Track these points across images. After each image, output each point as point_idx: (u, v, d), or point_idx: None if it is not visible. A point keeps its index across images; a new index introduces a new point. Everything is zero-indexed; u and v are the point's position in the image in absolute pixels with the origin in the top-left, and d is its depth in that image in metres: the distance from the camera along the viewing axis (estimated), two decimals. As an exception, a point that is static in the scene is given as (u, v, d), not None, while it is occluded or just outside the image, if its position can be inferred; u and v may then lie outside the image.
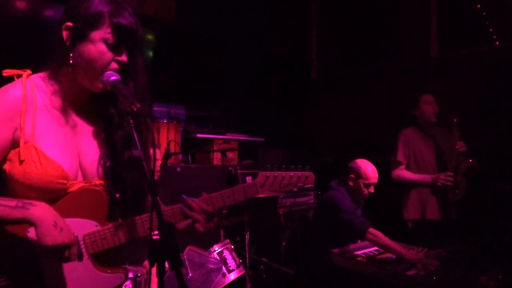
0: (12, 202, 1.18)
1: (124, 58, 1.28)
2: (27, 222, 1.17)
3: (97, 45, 1.24)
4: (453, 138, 3.30)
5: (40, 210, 1.18)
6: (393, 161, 3.53)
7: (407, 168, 3.49)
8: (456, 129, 3.29)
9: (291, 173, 1.52)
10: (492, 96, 4.10)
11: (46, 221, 1.17)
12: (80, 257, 1.26)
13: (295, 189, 1.62)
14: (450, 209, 3.32)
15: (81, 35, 1.24)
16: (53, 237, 1.16)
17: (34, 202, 1.20)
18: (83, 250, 1.29)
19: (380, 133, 5.10)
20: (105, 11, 1.24)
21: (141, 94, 1.33)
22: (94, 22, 1.23)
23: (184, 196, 1.39)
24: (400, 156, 3.48)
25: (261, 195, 3.08)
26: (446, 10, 4.66)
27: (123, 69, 1.30)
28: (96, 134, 1.38)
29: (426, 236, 3.32)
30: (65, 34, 1.26)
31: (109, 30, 1.24)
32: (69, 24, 1.25)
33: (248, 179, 3.94)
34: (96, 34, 1.24)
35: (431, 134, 3.50)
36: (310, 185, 1.59)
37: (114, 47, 1.26)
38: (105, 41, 1.24)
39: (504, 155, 3.91)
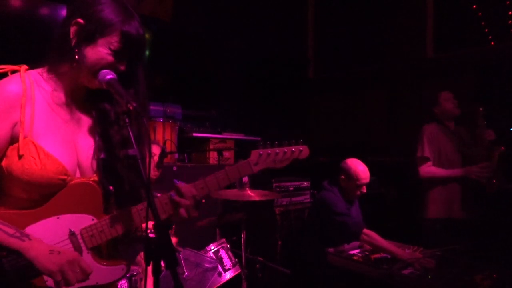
0: (10, 230, 1.18)
1: (122, 67, 1.30)
2: (20, 253, 1.18)
3: (102, 49, 1.25)
4: (480, 128, 3.20)
5: (34, 246, 1.19)
6: (420, 158, 3.39)
7: (432, 163, 3.37)
8: (482, 118, 3.20)
9: (285, 148, 1.50)
10: (487, 96, 4.12)
11: (41, 254, 1.18)
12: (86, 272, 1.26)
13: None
14: (478, 207, 3.23)
15: (89, 37, 1.25)
16: (55, 262, 1.18)
17: (31, 235, 1.21)
18: (82, 245, 1.29)
19: (376, 133, 5.12)
20: (118, 19, 1.26)
21: (142, 102, 1.33)
22: (105, 27, 1.25)
23: (175, 180, 1.39)
24: (427, 152, 3.36)
25: (259, 198, 3.08)
26: (442, 11, 4.68)
27: (125, 77, 1.31)
28: (92, 129, 1.38)
29: (449, 235, 3.21)
30: (73, 29, 1.27)
31: (117, 38, 1.25)
32: (80, 21, 1.26)
33: (245, 179, 3.94)
34: (104, 40, 1.25)
35: (453, 131, 3.41)
36: (304, 157, 1.57)
37: (116, 54, 1.27)
38: (110, 47, 1.26)
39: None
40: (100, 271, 1.32)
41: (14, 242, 1.17)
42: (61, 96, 1.32)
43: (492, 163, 3.16)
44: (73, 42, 1.26)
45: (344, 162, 3.15)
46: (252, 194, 3.03)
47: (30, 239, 1.19)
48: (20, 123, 1.23)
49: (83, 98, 1.38)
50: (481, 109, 3.22)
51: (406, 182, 3.67)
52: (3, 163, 1.23)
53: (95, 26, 1.25)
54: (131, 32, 1.27)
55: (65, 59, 1.27)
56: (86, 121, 1.39)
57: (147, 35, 4.22)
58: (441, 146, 3.37)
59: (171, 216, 1.38)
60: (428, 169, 3.36)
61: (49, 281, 1.23)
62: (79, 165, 1.34)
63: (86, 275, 1.23)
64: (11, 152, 1.23)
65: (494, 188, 3.18)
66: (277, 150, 1.49)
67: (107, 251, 1.35)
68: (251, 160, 1.47)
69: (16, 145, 1.22)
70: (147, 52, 4.19)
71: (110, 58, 1.26)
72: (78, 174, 1.33)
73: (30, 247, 1.18)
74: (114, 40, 1.25)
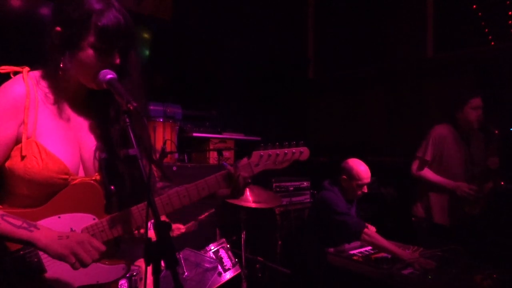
0: (17, 221, 1.18)
1: (116, 60, 1.28)
2: (30, 244, 1.18)
3: (87, 52, 1.23)
4: (488, 151, 3.15)
5: (43, 234, 1.19)
6: (420, 158, 3.35)
7: (430, 166, 3.34)
8: (495, 143, 3.12)
9: (286, 150, 1.52)
10: (487, 96, 4.12)
11: (51, 242, 1.18)
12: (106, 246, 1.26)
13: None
14: (462, 217, 3.23)
15: (69, 42, 1.24)
16: (66, 246, 1.18)
17: (38, 224, 1.21)
18: None
19: (376, 133, 5.12)
20: (90, 13, 1.22)
21: (136, 90, 1.33)
22: (80, 28, 1.22)
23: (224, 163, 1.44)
24: (429, 155, 3.31)
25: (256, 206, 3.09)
26: (442, 11, 4.68)
27: (118, 67, 1.30)
28: (93, 129, 1.39)
29: (430, 236, 3.26)
30: (54, 40, 1.26)
31: (95, 36, 1.22)
32: (58, 29, 1.25)
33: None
34: (84, 41, 1.23)
35: (466, 138, 3.33)
36: (304, 159, 1.58)
37: (104, 51, 1.25)
38: (93, 47, 1.23)
39: (498, 155, 3.92)
40: (101, 270, 1.33)
41: (23, 234, 1.17)
42: (59, 98, 1.32)
43: (482, 191, 3.14)
44: (58, 51, 1.26)
45: (345, 162, 3.15)
46: (250, 199, 3.04)
47: (38, 228, 1.20)
48: (23, 124, 1.24)
49: (83, 97, 1.39)
50: (496, 131, 3.13)
51: (406, 182, 3.67)
52: (7, 163, 1.24)
53: (71, 29, 1.23)
54: (107, 24, 1.22)
55: (55, 67, 1.27)
56: (88, 121, 1.39)
57: (146, 35, 4.24)
58: (445, 151, 3.30)
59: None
60: (422, 172, 3.35)
61: (50, 281, 1.23)
62: (82, 164, 1.34)
63: (99, 252, 1.23)
64: (14, 152, 1.24)
65: (472, 212, 3.18)
66: (277, 151, 1.50)
67: (108, 250, 1.35)
68: (252, 162, 1.49)
69: (19, 145, 1.23)
70: (144, 48, 4.20)
71: (98, 58, 1.24)
72: (81, 173, 1.34)
73: (39, 237, 1.18)
74: (94, 38, 1.22)
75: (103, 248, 1.24)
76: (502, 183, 3.14)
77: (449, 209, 3.27)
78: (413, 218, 3.44)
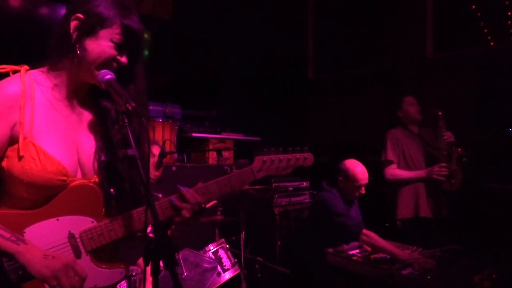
0: (6, 233, 1.18)
1: (124, 59, 1.30)
2: (12, 256, 1.16)
3: (104, 42, 1.26)
4: (440, 130, 3.29)
5: (29, 250, 1.18)
6: (384, 161, 3.53)
7: (398, 167, 3.49)
8: (442, 121, 3.28)
9: (289, 156, 1.49)
10: (486, 96, 4.12)
11: (35, 259, 1.17)
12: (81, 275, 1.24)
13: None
14: (443, 207, 3.33)
15: (90, 30, 1.26)
16: (49, 267, 1.17)
17: (26, 240, 1.20)
18: (81, 247, 1.28)
19: (375, 133, 5.10)
20: (118, 12, 1.27)
21: (140, 99, 1.33)
22: (105, 20, 1.26)
23: (179, 186, 1.36)
24: (391, 155, 3.49)
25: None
26: (442, 11, 4.68)
27: (124, 73, 1.31)
28: (93, 129, 1.37)
29: (419, 235, 3.31)
30: (73, 24, 1.26)
31: (118, 30, 1.26)
32: (80, 16, 1.26)
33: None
34: (105, 32, 1.26)
35: (417, 134, 3.54)
36: (308, 165, 1.54)
37: (118, 47, 1.27)
38: (111, 40, 1.26)
39: (498, 155, 3.93)
40: (99, 274, 1.31)
41: (9, 245, 1.16)
42: (62, 93, 1.32)
43: (451, 164, 3.26)
44: (74, 36, 1.26)
45: (342, 163, 3.13)
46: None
47: (25, 243, 1.18)
48: (19, 124, 1.22)
49: (85, 96, 1.38)
50: (440, 112, 3.30)
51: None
52: (4, 164, 1.22)
53: (95, 19, 1.25)
54: (132, 25, 1.28)
55: (66, 55, 1.27)
56: (88, 120, 1.38)
57: (146, 35, 4.24)
58: (405, 149, 3.49)
59: (170, 220, 1.37)
60: (393, 172, 3.49)
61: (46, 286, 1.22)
62: (80, 165, 1.33)
63: (81, 279, 1.21)
64: (12, 153, 1.22)
65: (452, 188, 3.28)
66: (281, 157, 1.47)
67: (107, 254, 1.34)
68: (254, 167, 1.45)
69: (16, 146, 1.21)
70: (145, 51, 4.20)
71: (113, 51, 1.27)
72: (79, 175, 1.32)
73: (23, 251, 1.17)
74: (115, 32, 1.26)
75: (85, 275, 1.23)
76: (459, 149, 3.28)
77: (428, 200, 3.36)
78: (397, 222, 3.49)
